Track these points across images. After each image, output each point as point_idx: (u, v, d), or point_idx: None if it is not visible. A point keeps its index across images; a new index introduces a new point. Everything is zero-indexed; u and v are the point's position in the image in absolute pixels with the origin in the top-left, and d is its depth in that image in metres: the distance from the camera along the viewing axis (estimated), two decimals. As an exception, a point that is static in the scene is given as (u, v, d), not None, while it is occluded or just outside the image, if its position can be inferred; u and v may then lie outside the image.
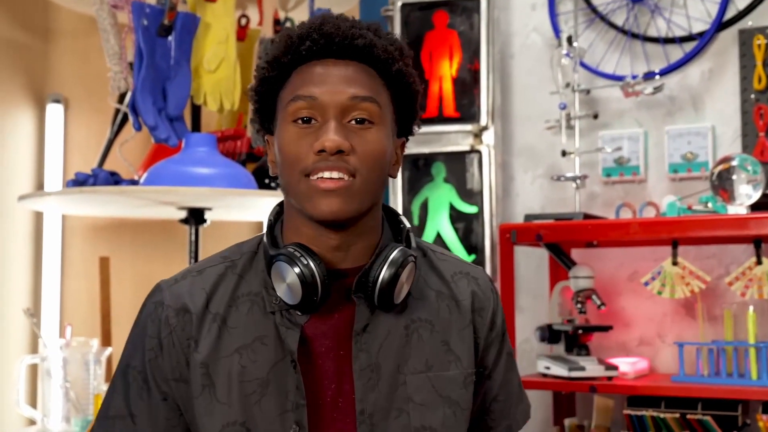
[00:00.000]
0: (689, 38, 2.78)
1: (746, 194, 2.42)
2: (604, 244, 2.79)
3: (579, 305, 2.60)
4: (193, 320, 1.33)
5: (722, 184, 2.44)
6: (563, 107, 2.71)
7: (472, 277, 1.46)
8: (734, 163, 2.44)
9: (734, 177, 2.43)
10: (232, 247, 1.43)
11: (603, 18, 2.89)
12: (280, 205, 1.41)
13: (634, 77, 2.71)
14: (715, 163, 2.53)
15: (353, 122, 1.29)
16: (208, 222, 2.73)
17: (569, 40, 2.73)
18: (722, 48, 2.76)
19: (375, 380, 1.33)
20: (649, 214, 2.71)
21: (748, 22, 2.69)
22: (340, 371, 1.33)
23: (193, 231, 2.71)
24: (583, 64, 2.82)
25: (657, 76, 2.72)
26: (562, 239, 2.60)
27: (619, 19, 2.87)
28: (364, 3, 3.13)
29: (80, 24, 3.24)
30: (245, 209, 2.77)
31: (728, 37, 2.74)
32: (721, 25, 2.73)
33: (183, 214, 2.71)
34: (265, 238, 1.36)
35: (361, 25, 1.33)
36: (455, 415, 1.37)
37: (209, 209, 2.71)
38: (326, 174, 1.26)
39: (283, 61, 1.32)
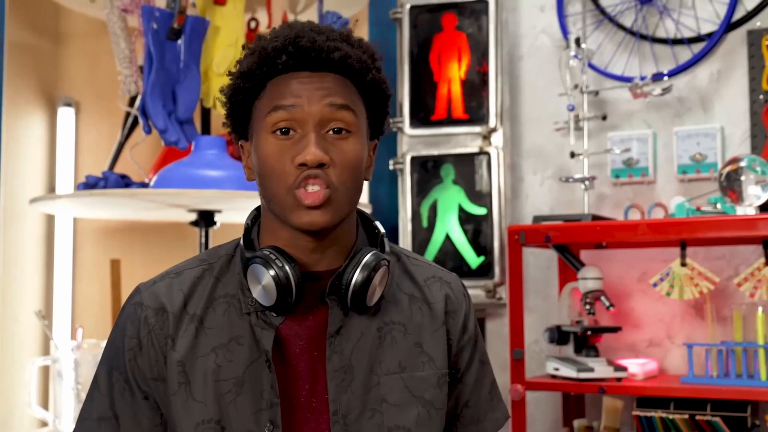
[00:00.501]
0: (698, 39, 2.78)
1: (755, 195, 2.42)
2: (613, 246, 2.80)
3: (588, 306, 2.61)
4: (171, 320, 1.36)
5: (731, 185, 2.44)
6: (571, 109, 2.71)
7: (445, 282, 1.48)
8: (743, 164, 2.44)
9: (743, 178, 2.43)
10: (210, 249, 1.47)
11: (611, 19, 2.89)
12: (258, 209, 1.44)
13: (642, 78, 2.71)
14: (723, 164, 2.53)
15: (331, 132, 1.32)
16: (218, 224, 2.74)
17: (577, 41, 2.73)
18: (731, 49, 2.76)
19: (348, 381, 1.35)
20: (658, 215, 2.71)
21: (757, 23, 2.69)
22: (314, 372, 1.36)
23: (203, 233, 2.72)
24: (591, 66, 2.82)
25: (665, 77, 2.72)
26: (570, 241, 2.60)
27: (627, 21, 2.88)
28: (373, 6, 3.14)
29: (91, 28, 3.26)
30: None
31: (737, 38, 2.74)
32: (729, 25, 2.73)
33: (193, 217, 2.73)
34: (241, 241, 1.40)
35: (335, 35, 1.34)
36: (429, 414, 1.39)
37: (219, 211, 2.72)
38: (309, 188, 1.29)
39: (257, 73, 1.33)
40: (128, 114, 2.93)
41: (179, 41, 2.56)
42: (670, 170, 2.79)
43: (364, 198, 3.10)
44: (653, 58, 2.84)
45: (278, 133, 1.30)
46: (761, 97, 2.66)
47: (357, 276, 1.34)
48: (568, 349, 2.65)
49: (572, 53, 2.73)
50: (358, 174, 1.34)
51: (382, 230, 1.44)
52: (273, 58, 1.32)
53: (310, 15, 2.95)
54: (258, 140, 1.33)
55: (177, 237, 3.21)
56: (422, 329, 1.42)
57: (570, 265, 2.68)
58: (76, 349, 2.78)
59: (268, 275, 1.31)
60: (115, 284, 2.93)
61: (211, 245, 2.73)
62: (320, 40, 1.32)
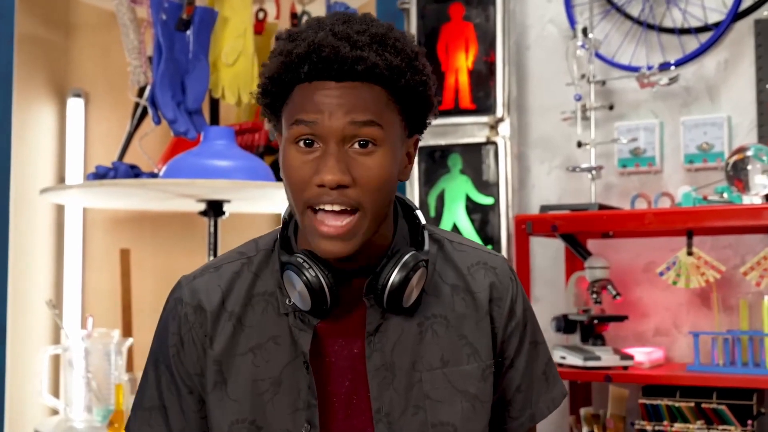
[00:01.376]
0: (705, 29, 2.78)
1: (761, 184, 2.43)
2: (620, 235, 2.81)
3: (594, 295, 2.62)
4: (209, 318, 1.36)
5: (737, 175, 2.45)
6: (578, 98, 2.72)
7: (491, 267, 1.44)
8: (749, 153, 2.45)
9: (749, 167, 2.44)
10: (248, 242, 1.45)
11: (619, 9, 2.89)
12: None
13: (649, 68, 2.71)
14: (730, 153, 2.54)
15: (356, 146, 1.26)
16: (227, 214, 2.76)
17: (584, 31, 2.74)
18: (738, 38, 2.76)
19: (390, 379, 1.34)
20: (664, 204, 2.72)
21: (765, 12, 2.69)
22: (354, 370, 1.35)
23: (212, 223, 2.74)
24: (598, 55, 2.83)
25: (672, 67, 2.73)
26: (577, 230, 2.61)
27: (634, 10, 2.88)
28: (381, -5, 3.15)
29: (100, 19, 3.27)
30: (263, 201, 2.81)
31: (744, 28, 2.75)
32: (736, 15, 2.73)
33: (202, 207, 2.75)
34: (279, 239, 1.38)
35: (362, 41, 1.27)
36: (474, 408, 1.37)
37: (228, 201, 2.74)
38: (327, 207, 1.26)
39: (283, 79, 1.29)
40: (137, 104, 2.95)
41: (188, 32, 2.57)
42: (677, 160, 2.80)
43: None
44: (660, 47, 2.84)
45: (301, 144, 1.26)
46: (768, 86, 2.67)
47: (394, 277, 1.31)
48: (575, 338, 2.66)
49: (579, 43, 2.74)
50: (386, 189, 1.29)
51: (423, 220, 1.41)
52: (296, 66, 1.27)
53: (319, 5, 2.96)
54: (283, 147, 1.30)
55: (185, 227, 3.23)
56: (465, 320, 1.40)
57: (577, 254, 2.70)
58: (86, 338, 2.81)
59: (301, 282, 1.29)
60: (124, 274, 2.96)
61: (220, 235, 2.75)
62: (344, 49, 1.25)
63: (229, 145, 2.55)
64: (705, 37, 2.79)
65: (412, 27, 3.01)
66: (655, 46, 2.86)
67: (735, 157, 2.46)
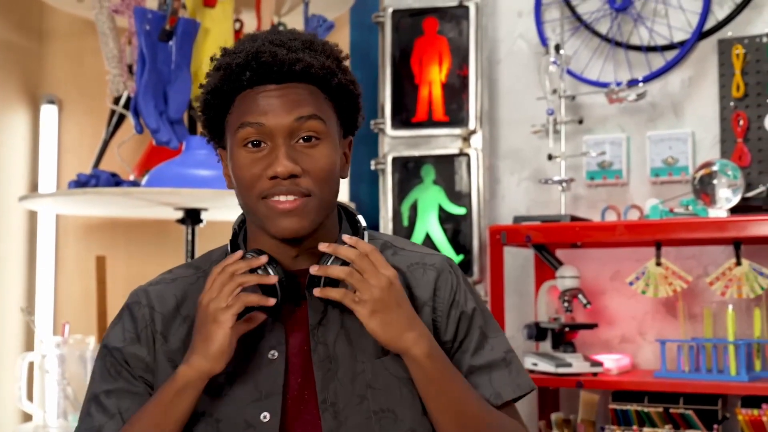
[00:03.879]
0: (670, 47, 2.89)
1: (726, 198, 2.54)
2: (588, 245, 2.89)
3: (566, 304, 2.70)
4: (163, 319, 1.45)
5: (704, 188, 2.55)
6: (551, 113, 2.80)
7: (429, 265, 1.50)
8: (715, 168, 2.56)
9: (715, 181, 2.55)
10: (202, 256, 1.55)
11: (587, 26, 2.99)
12: (244, 214, 1.50)
13: (618, 84, 2.81)
14: (696, 167, 2.64)
15: (301, 141, 1.37)
16: (204, 222, 2.80)
17: (557, 47, 2.82)
18: (702, 57, 2.87)
19: (334, 370, 1.40)
20: (633, 216, 2.81)
21: (728, 33, 2.80)
22: (305, 365, 1.42)
23: (190, 231, 2.77)
24: (568, 71, 2.92)
25: (641, 84, 2.83)
26: (550, 240, 2.70)
27: (603, 28, 2.98)
28: (355, 9, 3.21)
29: (74, 26, 3.28)
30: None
31: (708, 47, 2.85)
32: (701, 34, 2.84)
33: (179, 215, 2.77)
34: (229, 247, 1.47)
35: (296, 45, 1.38)
36: (413, 393, 1.42)
37: (205, 210, 2.77)
38: (282, 198, 1.36)
39: (224, 89, 1.38)
40: (113, 112, 2.97)
41: (171, 43, 2.60)
42: (643, 173, 2.90)
43: (345, 197, 3.17)
44: (627, 64, 2.94)
45: (249, 146, 1.37)
46: (731, 103, 2.77)
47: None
48: (545, 345, 2.74)
49: (551, 59, 2.82)
50: (332, 178, 1.40)
51: (364, 223, 1.48)
52: (237, 75, 1.37)
53: (295, 18, 3.00)
54: (232, 153, 1.39)
55: (159, 234, 3.25)
56: None
57: (548, 264, 2.78)
58: (62, 345, 2.82)
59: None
60: (100, 281, 2.97)
61: (198, 243, 2.78)
62: (281, 53, 1.36)
63: (210, 154, 2.57)
64: (671, 55, 2.89)
65: (387, 40, 3.07)
66: (623, 63, 2.95)
67: (702, 172, 2.57)
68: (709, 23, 2.84)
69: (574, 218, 2.71)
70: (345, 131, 1.47)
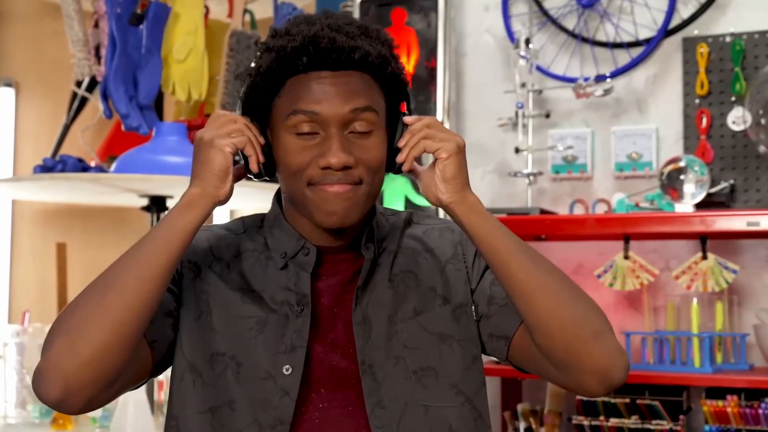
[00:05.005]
0: (636, 44, 2.93)
1: (692, 193, 2.59)
2: (552, 238, 2.92)
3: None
4: (198, 254, 1.42)
5: (672, 184, 2.60)
6: (521, 106, 2.83)
7: (438, 228, 1.51)
8: (683, 164, 2.60)
9: (683, 177, 2.59)
10: (235, 220, 1.50)
11: (554, 21, 3.01)
12: (277, 197, 1.47)
13: (585, 79, 2.84)
14: (664, 163, 2.69)
15: (355, 130, 1.34)
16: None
17: (527, 42, 2.84)
18: (667, 54, 2.91)
19: (368, 332, 1.39)
20: (601, 210, 2.85)
21: (694, 31, 2.85)
22: (340, 321, 1.40)
23: (155, 218, 2.73)
24: (536, 66, 2.94)
25: (608, 79, 2.86)
26: (518, 233, 2.69)
27: (569, 23, 3.01)
28: (322, -1, 3.19)
29: (33, 8, 3.21)
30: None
31: (673, 44, 2.90)
32: (666, 32, 2.89)
33: (143, 202, 2.74)
34: (270, 209, 1.46)
35: (353, 31, 1.34)
36: (452, 348, 1.42)
37: (171, 197, 2.74)
38: (335, 187, 1.33)
39: (276, 72, 1.34)
40: (74, 96, 2.90)
41: (141, 27, 2.56)
42: (608, 167, 2.94)
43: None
44: (593, 60, 2.98)
45: (302, 132, 1.33)
46: (696, 101, 2.82)
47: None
48: (511, 337, 2.76)
49: (521, 53, 2.84)
50: (382, 167, 1.38)
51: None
52: (292, 58, 1.33)
53: (264, 5, 2.98)
54: (279, 139, 1.35)
55: (118, 221, 3.20)
56: (430, 274, 1.46)
57: (517, 256, 2.79)
58: (22, 334, 2.76)
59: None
60: (60, 268, 2.91)
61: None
62: (340, 39, 1.32)
63: (181, 141, 2.55)
64: (636, 51, 2.93)
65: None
66: (589, 59, 2.99)
67: (670, 167, 2.61)
68: (674, 21, 2.89)
69: (542, 211, 2.74)
70: (391, 120, 1.42)
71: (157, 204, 2.73)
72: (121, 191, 2.60)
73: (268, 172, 1.38)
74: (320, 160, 1.32)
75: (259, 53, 1.38)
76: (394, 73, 1.39)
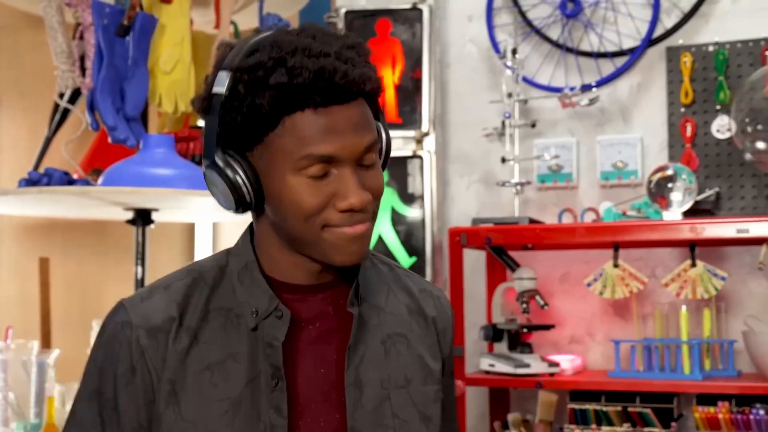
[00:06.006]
0: (620, 53, 2.95)
1: (681, 201, 2.60)
2: (539, 248, 2.93)
3: (524, 305, 2.73)
4: (166, 339, 1.24)
5: (660, 192, 2.62)
6: (508, 116, 2.83)
7: (435, 296, 1.43)
8: (671, 172, 2.62)
9: (671, 185, 2.61)
10: (194, 262, 1.36)
11: (538, 32, 3.03)
12: (249, 231, 1.33)
13: (571, 89, 2.85)
14: (652, 171, 2.70)
15: (362, 163, 1.21)
16: (155, 223, 2.73)
17: (513, 52, 2.85)
18: (650, 63, 2.94)
19: (359, 396, 1.28)
20: (589, 219, 2.86)
21: (678, 40, 2.88)
22: (325, 385, 1.28)
23: (141, 232, 2.70)
24: (522, 76, 2.95)
25: (593, 89, 2.88)
26: (508, 242, 2.72)
27: (554, 34, 3.02)
28: (305, 10, 3.18)
29: (12, 20, 3.16)
30: (195, 210, 2.79)
31: (656, 54, 2.93)
32: (650, 41, 2.91)
33: (128, 215, 2.70)
34: (236, 252, 1.31)
35: (357, 60, 1.21)
36: (429, 431, 1.33)
37: (156, 210, 2.71)
38: (359, 228, 1.22)
39: (276, 110, 1.17)
40: (56, 109, 2.86)
41: (128, 38, 2.53)
42: (593, 176, 2.95)
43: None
44: (578, 69, 2.99)
45: (315, 176, 1.18)
46: (681, 110, 2.85)
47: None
48: (501, 347, 2.76)
49: (507, 63, 2.85)
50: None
51: None
52: (299, 97, 1.17)
53: (248, 16, 2.96)
54: (283, 178, 1.20)
55: (100, 235, 3.16)
56: (421, 341, 1.36)
57: (506, 265, 2.80)
58: (4, 350, 2.71)
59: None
60: (43, 283, 2.87)
61: (149, 244, 2.71)
62: (351, 72, 1.18)
63: (169, 153, 2.52)
64: (620, 61, 2.95)
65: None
66: (573, 68, 3.00)
67: (658, 175, 2.63)
68: (658, 31, 2.91)
69: (531, 220, 2.74)
70: None
71: (143, 217, 2.69)
72: (107, 204, 2.56)
73: (256, 204, 1.24)
74: (340, 202, 1.19)
75: (245, 85, 1.18)
76: (377, 95, 1.28)
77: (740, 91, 2.68)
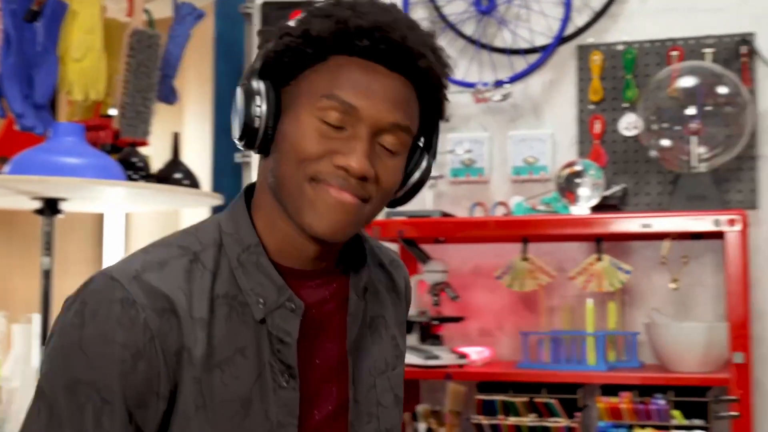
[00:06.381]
0: (532, 50, 3.00)
1: (589, 196, 2.66)
2: (451, 241, 2.97)
3: (435, 297, 2.76)
4: (183, 324, 1.11)
5: (569, 187, 2.67)
6: (422, 110, 2.85)
7: (400, 265, 1.39)
8: (580, 167, 2.68)
9: (580, 180, 2.67)
10: (182, 235, 1.20)
11: (453, 27, 3.06)
12: (250, 188, 1.23)
13: (485, 84, 2.89)
14: (561, 167, 2.76)
15: (385, 143, 1.13)
16: (64, 213, 2.69)
17: (427, 46, 2.87)
18: (562, 61, 2.99)
19: (357, 389, 1.22)
20: (500, 213, 2.90)
21: (588, 39, 2.94)
22: (336, 379, 1.22)
23: (48, 222, 2.65)
24: (435, 70, 2.98)
25: (506, 84, 2.92)
26: (421, 236, 2.75)
27: (468, 29, 3.06)
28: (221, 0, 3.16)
29: None
30: (108, 201, 2.76)
31: (567, 51, 2.98)
32: (561, 39, 2.96)
33: (37, 205, 2.65)
34: (225, 227, 1.18)
35: (424, 37, 1.16)
36: (401, 413, 1.31)
37: (66, 199, 2.66)
38: (342, 193, 1.12)
39: (326, 43, 1.12)
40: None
41: (37, 24, 2.49)
42: (505, 171, 3.00)
43: (207, 189, 3.12)
44: (491, 65, 3.03)
45: (329, 121, 1.11)
46: (590, 107, 2.91)
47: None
48: (412, 339, 2.79)
49: (422, 57, 2.87)
50: (391, 194, 1.18)
51: None
52: (352, 36, 1.11)
53: (164, 4, 2.93)
54: (299, 116, 1.13)
55: (6, 225, 3.10)
56: (394, 319, 1.32)
57: (418, 258, 2.83)
58: None
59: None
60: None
61: (57, 234, 2.67)
62: (412, 39, 1.13)
63: (78, 142, 2.48)
64: (533, 58, 3.00)
65: (254, 32, 3.04)
66: (487, 64, 3.04)
67: (567, 171, 2.68)
68: (570, 29, 2.97)
69: (444, 214, 2.78)
70: (413, 147, 1.22)
71: (51, 207, 2.65)
72: (14, 193, 2.52)
73: (263, 144, 1.15)
74: (338, 157, 1.11)
75: (308, 16, 1.14)
76: (439, 102, 1.21)
77: (647, 89, 2.75)
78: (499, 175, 3.02)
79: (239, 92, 1.16)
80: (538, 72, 3.01)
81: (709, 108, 2.64)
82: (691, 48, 2.84)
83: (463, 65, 3.06)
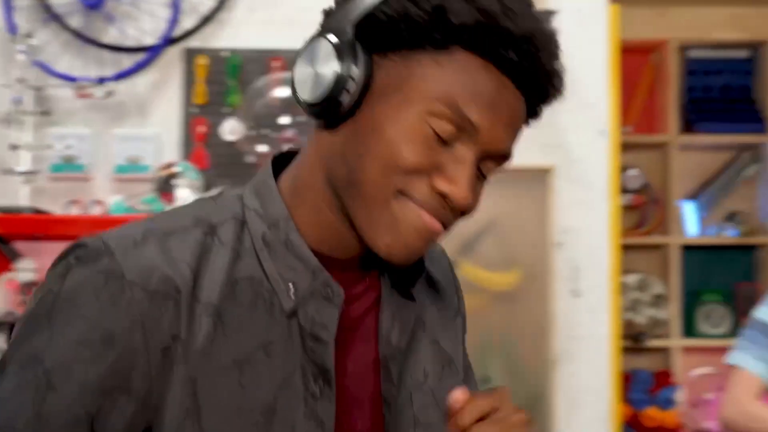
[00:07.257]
0: (140, 49, 2.99)
1: (187, 198, 2.71)
2: (47, 239, 2.88)
3: (25, 297, 2.67)
4: (180, 308, 0.91)
5: (166, 187, 2.70)
6: (20, 101, 2.75)
7: (435, 257, 1.15)
8: (178, 169, 2.72)
9: (176, 181, 2.71)
10: (199, 202, 1.01)
11: (58, 19, 2.98)
12: (283, 156, 1.03)
13: (87, 80, 2.84)
14: (160, 167, 2.78)
15: (481, 169, 0.95)
16: None
17: (29, 35, 2.78)
18: (169, 62, 3.01)
19: (394, 401, 1.04)
20: (96, 211, 2.86)
21: (195, 43, 2.98)
22: (372, 391, 1.02)
23: None
24: (36, 62, 2.88)
25: (111, 82, 2.89)
26: (12, 232, 2.65)
27: (74, 22, 2.99)
28: None
29: None
30: None
31: (175, 53, 3.01)
32: (169, 41, 2.98)
33: None
34: (254, 204, 0.98)
35: (561, 60, 0.96)
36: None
37: None
38: (431, 216, 0.93)
39: (462, 35, 0.90)
40: None
41: None
42: (108, 169, 2.96)
43: None
44: (97, 61, 2.99)
45: (440, 133, 0.91)
46: (195, 110, 2.96)
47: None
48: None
49: (21, 47, 2.77)
50: None
51: None
52: (494, 39, 0.90)
53: None
54: (402, 110, 0.91)
55: None
56: (435, 320, 1.10)
57: (8, 256, 2.72)
58: None
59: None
60: None
61: None
62: (557, 66, 0.95)
63: None
64: (139, 57, 2.99)
65: None
66: (92, 60, 2.99)
67: (165, 172, 2.71)
68: (178, 32, 2.99)
69: (37, 210, 2.70)
70: None
71: None
72: None
73: (338, 119, 0.94)
74: (440, 180, 0.92)
75: None
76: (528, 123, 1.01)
77: (247, 96, 2.84)
78: (103, 173, 2.98)
79: (325, 45, 0.94)
80: (145, 72, 3.00)
81: (302, 119, 2.78)
82: (293, 60, 2.96)
83: (66, 59, 2.98)
